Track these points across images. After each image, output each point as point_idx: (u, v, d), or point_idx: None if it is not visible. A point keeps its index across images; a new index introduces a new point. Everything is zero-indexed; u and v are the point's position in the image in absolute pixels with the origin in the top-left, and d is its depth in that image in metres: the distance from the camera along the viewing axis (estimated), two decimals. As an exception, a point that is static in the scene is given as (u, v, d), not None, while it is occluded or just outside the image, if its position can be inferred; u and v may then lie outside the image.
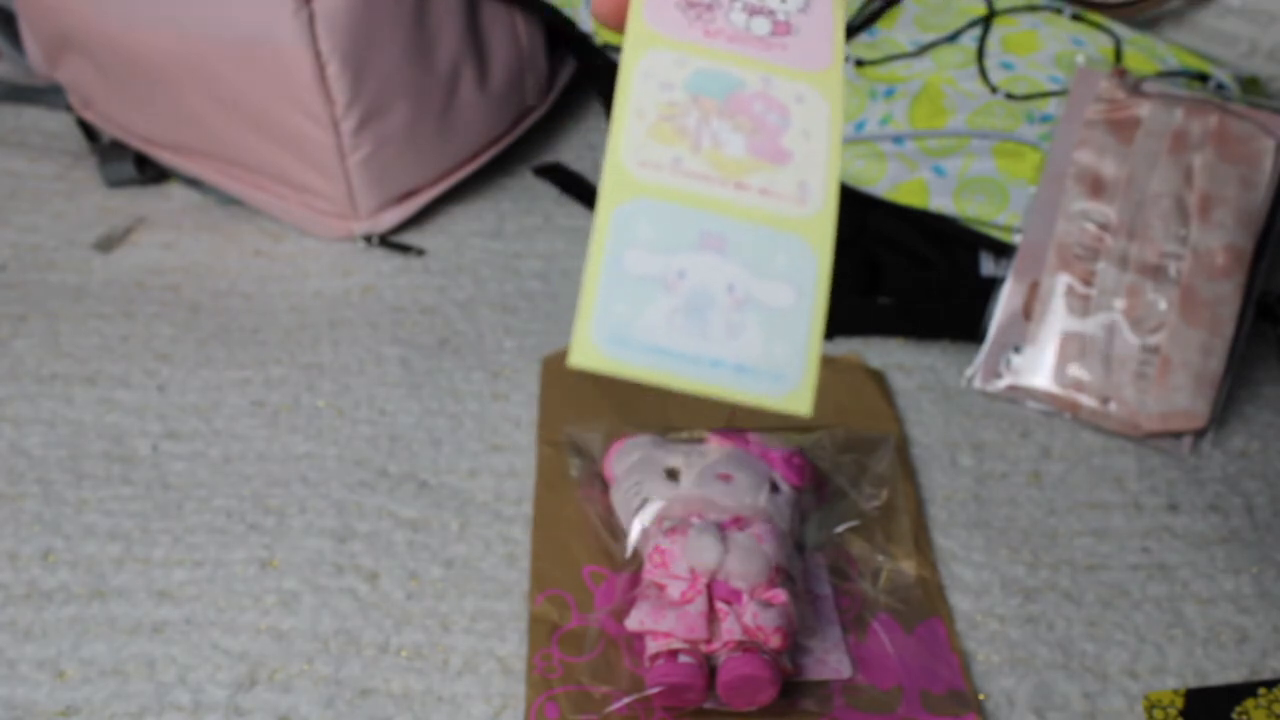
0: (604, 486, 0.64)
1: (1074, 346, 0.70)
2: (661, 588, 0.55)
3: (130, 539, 0.63)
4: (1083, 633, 0.59)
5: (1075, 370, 0.70)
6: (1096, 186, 0.71)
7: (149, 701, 0.55)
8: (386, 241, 0.83)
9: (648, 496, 0.60)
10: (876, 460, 0.65)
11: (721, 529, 0.56)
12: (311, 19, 0.73)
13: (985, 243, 0.75)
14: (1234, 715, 0.54)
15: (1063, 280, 0.71)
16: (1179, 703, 0.55)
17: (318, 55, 0.74)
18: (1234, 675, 0.57)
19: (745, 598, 0.54)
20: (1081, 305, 0.70)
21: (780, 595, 0.54)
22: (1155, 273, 0.69)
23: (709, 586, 0.54)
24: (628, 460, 0.63)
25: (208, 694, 0.56)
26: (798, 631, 0.56)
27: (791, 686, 0.55)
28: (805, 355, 0.31)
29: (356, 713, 0.55)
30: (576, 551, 0.61)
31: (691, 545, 0.55)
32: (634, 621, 0.54)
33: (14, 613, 0.59)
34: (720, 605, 0.54)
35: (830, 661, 0.57)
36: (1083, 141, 0.72)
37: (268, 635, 0.58)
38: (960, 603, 0.60)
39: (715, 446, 0.63)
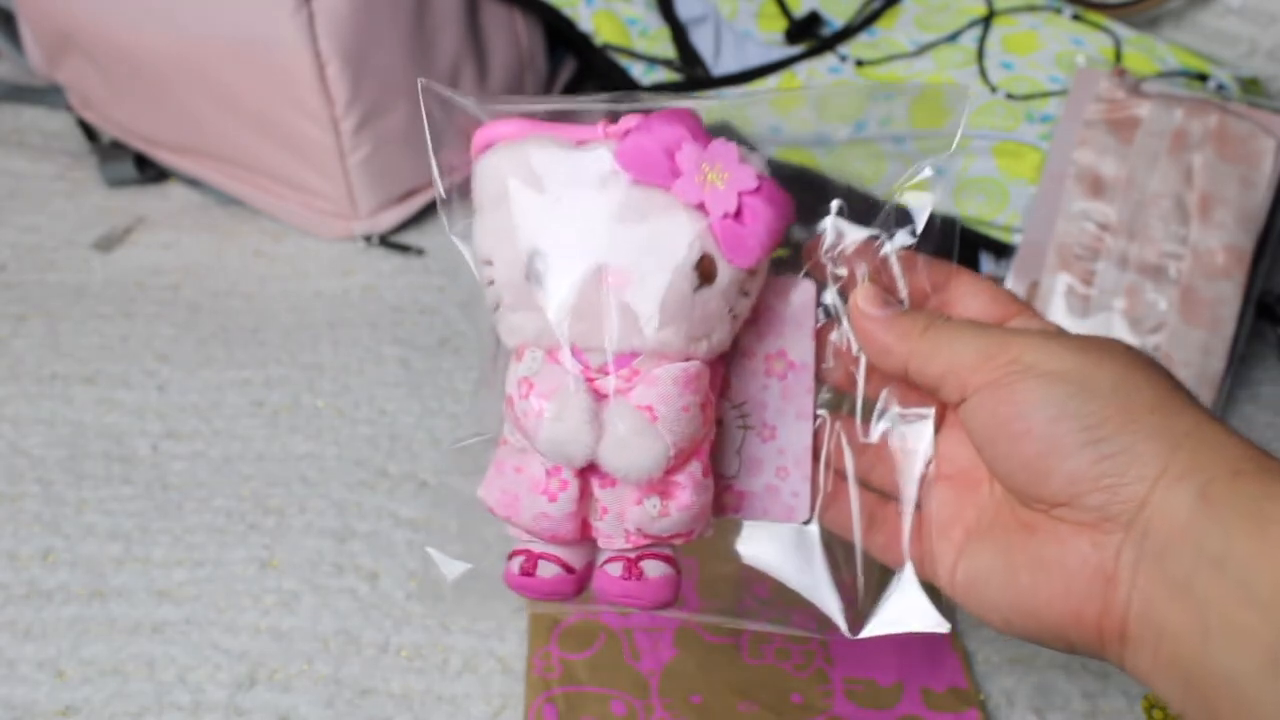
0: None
1: (1074, 346, 0.70)
2: (520, 469, 0.39)
3: (130, 539, 0.63)
4: (1083, 632, 0.59)
5: (1075, 370, 0.70)
6: (1096, 186, 0.71)
7: (149, 701, 0.55)
8: (386, 241, 0.83)
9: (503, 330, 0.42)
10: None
11: (597, 398, 0.38)
12: (311, 19, 0.73)
13: (985, 243, 0.75)
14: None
15: (1063, 280, 0.71)
16: (1179, 702, 0.55)
17: (318, 55, 0.74)
18: (1234, 675, 0.57)
19: (634, 494, 0.38)
20: (1081, 305, 0.70)
21: (682, 495, 0.38)
22: (1155, 272, 0.69)
23: (580, 473, 0.38)
24: (486, 191, 0.42)
25: (208, 694, 0.56)
26: (740, 473, 0.42)
27: (789, 682, 0.55)
28: None
29: (356, 713, 0.55)
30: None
31: (547, 432, 0.37)
32: (488, 496, 0.40)
33: (14, 613, 0.59)
34: (598, 498, 0.38)
35: (783, 497, 0.42)
36: (1083, 141, 0.72)
37: (267, 635, 0.58)
38: (960, 602, 0.60)
39: (616, 177, 0.39)
